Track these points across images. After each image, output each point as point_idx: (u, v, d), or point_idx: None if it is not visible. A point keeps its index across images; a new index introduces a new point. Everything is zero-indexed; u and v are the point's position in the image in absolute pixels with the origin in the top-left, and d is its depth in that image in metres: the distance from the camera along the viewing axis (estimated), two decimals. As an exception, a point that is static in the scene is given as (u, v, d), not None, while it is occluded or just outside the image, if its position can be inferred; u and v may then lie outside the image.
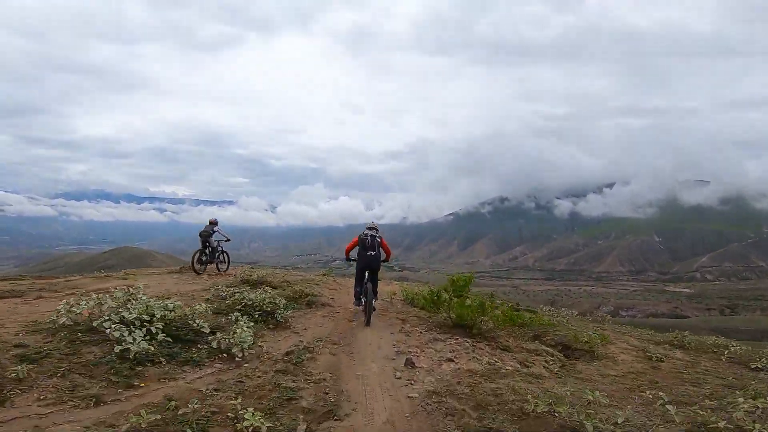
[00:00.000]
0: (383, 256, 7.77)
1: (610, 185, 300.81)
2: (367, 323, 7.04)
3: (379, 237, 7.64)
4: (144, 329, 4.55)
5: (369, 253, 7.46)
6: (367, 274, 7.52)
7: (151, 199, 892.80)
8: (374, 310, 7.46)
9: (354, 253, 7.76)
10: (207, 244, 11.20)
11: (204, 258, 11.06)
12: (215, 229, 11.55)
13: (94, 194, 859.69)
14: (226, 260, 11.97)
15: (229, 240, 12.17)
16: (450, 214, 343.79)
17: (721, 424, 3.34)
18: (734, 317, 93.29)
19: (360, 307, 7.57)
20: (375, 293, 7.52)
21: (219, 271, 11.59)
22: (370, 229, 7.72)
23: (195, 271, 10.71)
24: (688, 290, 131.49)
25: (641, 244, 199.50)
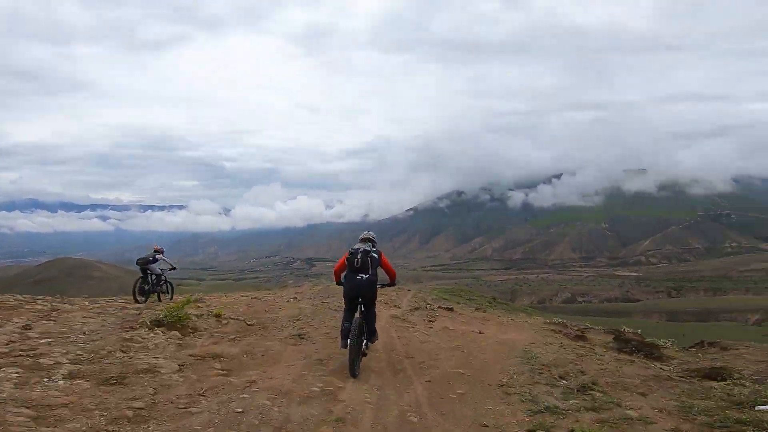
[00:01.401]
0: (385, 279, 5.87)
1: (559, 176, 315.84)
2: (352, 373, 5.06)
3: (377, 252, 5.59)
4: None
5: (359, 277, 5.39)
6: (360, 305, 5.51)
7: (93, 206, 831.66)
8: (365, 355, 5.54)
9: (344, 275, 5.66)
10: (148, 271, 10.29)
11: (146, 287, 10.23)
12: (158, 257, 10.62)
13: (26, 204, 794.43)
14: (170, 290, 11.15)
15: (174, 269, 11.35)
16: (410, 209, 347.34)
17: None
18: (681, 299, 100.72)
19: (346, 349, 5.33)
20: (371, 332, 5.57)
21: (160, 301, 10.53)
22: (363, 241, 5.66)
23: (136, 301, 9.93)
24: (635, 274, 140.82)
25: (590, 232, 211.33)
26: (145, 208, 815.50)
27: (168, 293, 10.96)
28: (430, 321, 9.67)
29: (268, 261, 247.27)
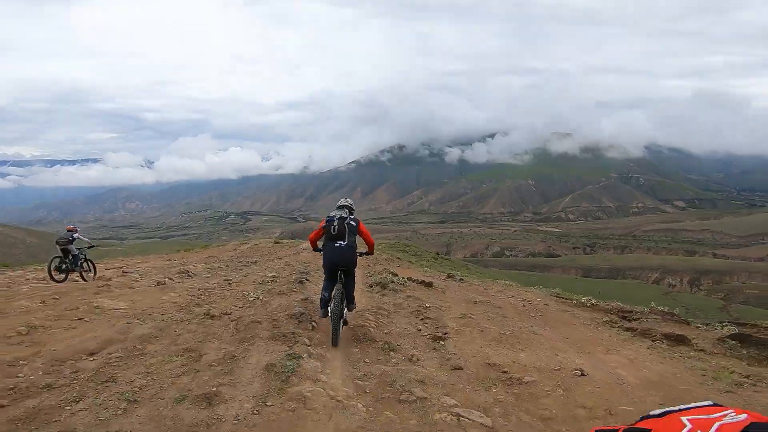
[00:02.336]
0: (363, 247, 5.78)
1: (493, 135, 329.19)
2: (334, 342, 5.05)
3: (355, 219, 5.50)
4: None
5: (338, 244, 5.32)
6: (339, 273, 5.40)
7: None
8: (345, 323, 5.46)
9: (321, 244, 5.60)
10: (68, 251, 10.03)
11: (64, 266, 9.97)
12: (74, 235, 10.39)
13: None
14: (92, 268, 10.95)
15: (93, 246, 11.14)
16: (352, 162, 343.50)
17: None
18: (594, 255, 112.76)
19: (326, 318, 5.41)
20: (350, 300, 5.50)
21: (84, 280, 10.33)
22: (340, 208, 5.56)
23: (53, 279, 9.68)
24: (557, 230, 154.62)
25: (518, 188, 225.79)
26: (52, 162, 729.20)
27: (91, 271, 10.77)
28: (437, 338, 5.57)
29: (199, 216, 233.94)
